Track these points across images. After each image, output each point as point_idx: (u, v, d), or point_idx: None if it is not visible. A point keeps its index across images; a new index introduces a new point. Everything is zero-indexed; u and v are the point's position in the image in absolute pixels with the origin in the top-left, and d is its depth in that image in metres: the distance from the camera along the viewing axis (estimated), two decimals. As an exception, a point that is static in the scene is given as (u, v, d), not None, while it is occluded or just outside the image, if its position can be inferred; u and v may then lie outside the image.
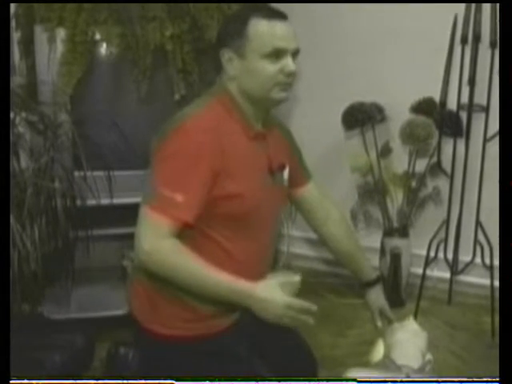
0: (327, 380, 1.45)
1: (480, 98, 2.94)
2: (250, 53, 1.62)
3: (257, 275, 1.65)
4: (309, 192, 1.94)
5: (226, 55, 1.66)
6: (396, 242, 3.20)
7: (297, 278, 1.65)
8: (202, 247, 1.62)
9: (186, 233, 1.59)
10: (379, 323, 1.96)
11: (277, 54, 1.62)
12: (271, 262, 1.86)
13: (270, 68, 1.62)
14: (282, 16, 1.65)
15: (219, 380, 1.38)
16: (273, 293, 1.57)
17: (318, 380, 1.60)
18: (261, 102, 1.68)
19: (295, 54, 1.66)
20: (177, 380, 1.40)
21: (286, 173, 1.80)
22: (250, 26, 1.62)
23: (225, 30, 1.70)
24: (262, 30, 1.61)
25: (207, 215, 1.61)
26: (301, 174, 1.92)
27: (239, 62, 1.64)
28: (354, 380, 1.42)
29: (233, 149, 1.63)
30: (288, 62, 1.63)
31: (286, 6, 1.86)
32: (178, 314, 1.70)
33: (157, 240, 1.55)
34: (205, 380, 1.37)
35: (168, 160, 1.59)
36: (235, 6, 2.58)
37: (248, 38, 1.62)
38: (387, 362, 1.74)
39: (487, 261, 3.00)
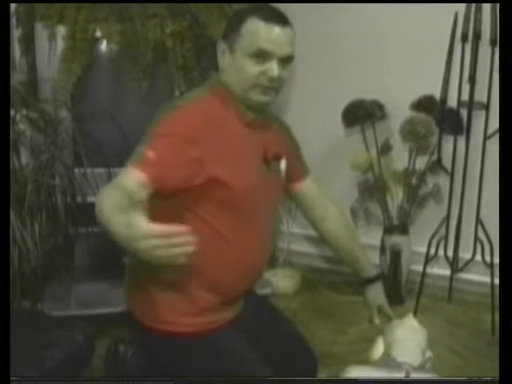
0: (327, 380, 1.45)
1: (480, 96, 2.94)
2: (239, 49, 1.64)
3: (256, 266, 1.65)
4: (307, 188, 1.94)
5: (221, 46, 1.69)
6: (396, 239, 3.21)
7: None
8: (201, 234, 1.63)
9: (186, 218, 1.60)
10: (377, 320, 1.96)
11: (262, 56, 1.62)
12: (270, 255, 1.85)
13: (252, 68, 1.63)
14: (282, 21, 1.64)
15: (219, 380, 1.38)
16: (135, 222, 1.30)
17: (318, 380, 1.60)
18: (241, 101, 1.68)
19: (285, 60, 1.65)
20: (177, 380, 1.40)
21: (282, 164, 1.80)
22: (245, 24, 1.63)
23: (227, 24, 1.73)
24: (255, 29, 1.62)
25: (204, 200, 1.62)
26: (299, 169, 1.92)
27: (229, 57, 1.67)
28: (354, 380, 1.42)
29: (226, 134, 1.65)
30: (272, 67, 1.62)
31: (288, 6, 1.86)
32: (174, 306, 1.70)
33: (111, 189, 1.47)
34: (204, 380, 1.38)
35: (159, 135, 1.60)
36: (236, 5, 2.58)
37: (241, 34, 1.64)
38: (387, 360, 1.74)
39: (487, 258, 2.99)
